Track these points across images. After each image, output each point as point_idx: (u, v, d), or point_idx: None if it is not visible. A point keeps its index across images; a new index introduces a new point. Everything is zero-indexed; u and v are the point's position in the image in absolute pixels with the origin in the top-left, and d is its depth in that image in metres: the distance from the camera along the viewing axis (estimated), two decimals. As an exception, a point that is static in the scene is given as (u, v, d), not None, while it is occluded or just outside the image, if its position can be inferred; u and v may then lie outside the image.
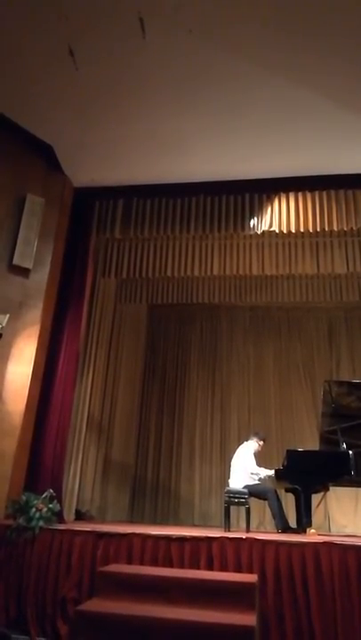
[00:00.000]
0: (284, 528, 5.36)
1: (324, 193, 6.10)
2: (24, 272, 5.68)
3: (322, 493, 6.02)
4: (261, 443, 6.03)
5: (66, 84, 5.11)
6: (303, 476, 5.34)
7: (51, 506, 4.51)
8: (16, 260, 5.61)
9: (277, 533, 5.14)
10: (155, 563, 4.00)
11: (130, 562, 4.03)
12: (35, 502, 4.45)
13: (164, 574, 3.56)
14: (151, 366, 9.46)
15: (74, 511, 6.32)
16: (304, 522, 5.19)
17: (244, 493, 5.38)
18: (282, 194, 6.19)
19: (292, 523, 5.68)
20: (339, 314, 9.24)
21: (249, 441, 6.04)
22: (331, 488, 6.00)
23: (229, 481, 5.73)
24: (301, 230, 6.09)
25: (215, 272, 6.99)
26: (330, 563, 3.75)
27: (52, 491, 4.68)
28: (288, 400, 8.81)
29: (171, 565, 3.97)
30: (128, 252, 7.14)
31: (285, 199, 6.17)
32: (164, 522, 7.96)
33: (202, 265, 6.98)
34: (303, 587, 3.71)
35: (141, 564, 4.01)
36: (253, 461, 5.76)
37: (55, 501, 4.61)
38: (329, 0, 4.19)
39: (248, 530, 5.13)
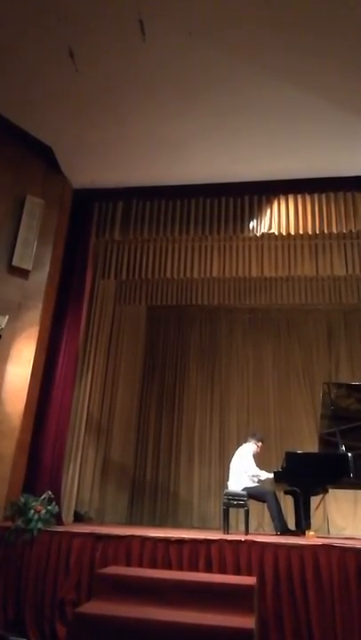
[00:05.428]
0: (283, 530, 5.36)
1: (324, 195, 6.11)
2: (23, 273, 5.68)
3: (321, 496, 6.01)
4: (260, 444, 6.03)
5: (65, 85, 5.11)
6: (302, 478, 5.34)
7: (49, 507, 4.50)
8: (15, 262, 5.62)
9: (276, 536, 5.13)
10: (153, 565, 4.00)
11: (128, 564, 4.03)
12: (33, 504, 4.45)
13: (162, 576, 3.55)
14: (150, 368, 9.44)
15: (72, 513, 6.31)
16: (303, 524, 5.19)
17: (242, 496, 5.38)
18: (281, 196, 6.20)
19: (291, 525, 5.68)
20: (338, 316, 9.24)
21: (247, 443, 6.04)
22: (330, 490, 6.01)
23: (228, 483, 5.72)
24: (301, 232, 6.10)
25: (214, 274, 7.02)
26: (329, 565, 3.75)
27: (50, 492, 4.68)
28: (287, 402, 8.80)
29: (169, 568, 3.97)
30: (127, 253, 7.16)
31: (285, 201, 6.19)
32: (162, 524, 7.94)
33: (201, 266, 7.00)
34: (302, 589, 3.71)
35: (140, 566, 4.01)
36: (253, 463, 5.75)
37: (54, 503, 4.61)
38: (327, 1, 4.20)
39: (247, 532, 5.12)
